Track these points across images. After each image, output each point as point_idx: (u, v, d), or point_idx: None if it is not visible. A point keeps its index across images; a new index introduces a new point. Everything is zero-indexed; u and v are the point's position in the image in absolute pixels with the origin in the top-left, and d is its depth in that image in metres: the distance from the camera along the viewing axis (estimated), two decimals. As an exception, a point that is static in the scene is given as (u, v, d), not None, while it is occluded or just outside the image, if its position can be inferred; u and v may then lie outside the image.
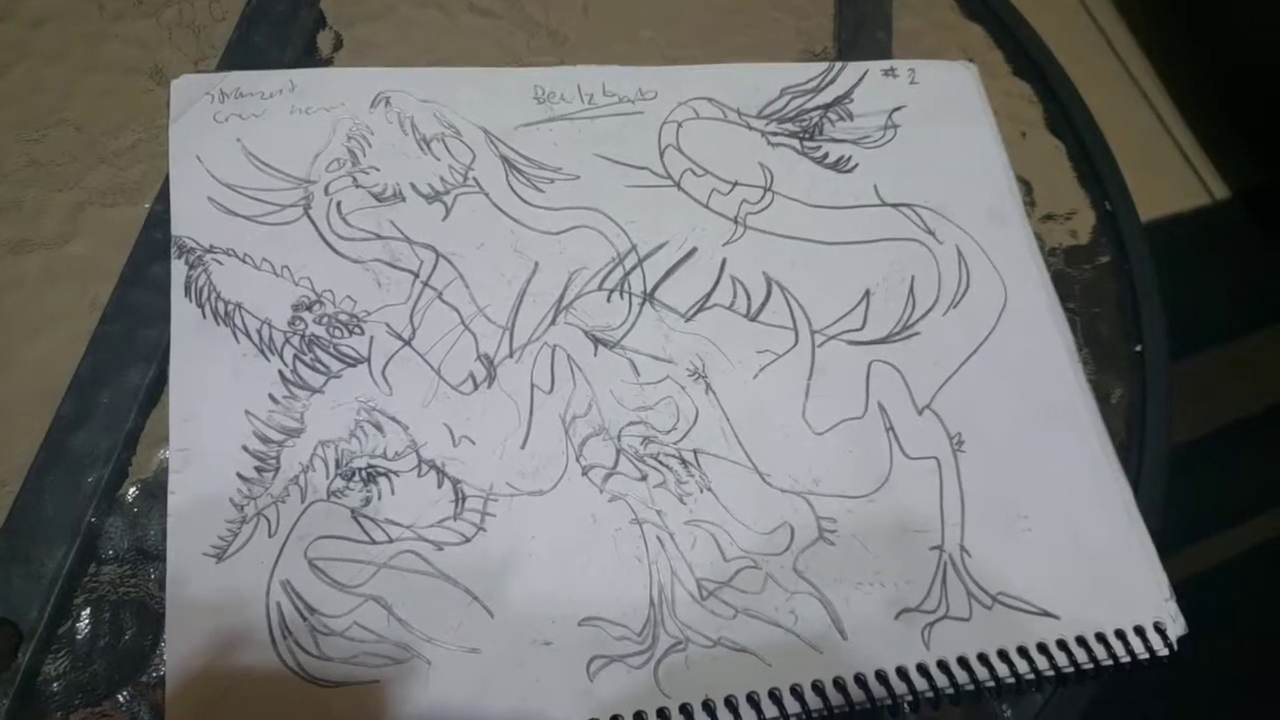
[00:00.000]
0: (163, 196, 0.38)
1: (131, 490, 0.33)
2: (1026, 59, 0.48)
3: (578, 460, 0.34)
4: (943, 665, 0.32)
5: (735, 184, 0.40)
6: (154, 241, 0.37)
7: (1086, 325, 0.41)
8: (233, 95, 0.38)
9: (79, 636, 0.31)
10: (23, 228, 0.37)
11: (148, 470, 0.34)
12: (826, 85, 0.43)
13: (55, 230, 0.37)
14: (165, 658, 0.30)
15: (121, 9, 0.42)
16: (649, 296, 0.37)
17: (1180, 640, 0.34)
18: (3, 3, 0.41)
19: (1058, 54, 0.48)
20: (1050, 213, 0.44)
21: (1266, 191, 1.08)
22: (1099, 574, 0.35)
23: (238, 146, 0.37)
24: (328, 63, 0.41)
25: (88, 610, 0.32)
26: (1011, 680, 0.32)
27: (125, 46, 0.42)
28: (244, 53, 0.41)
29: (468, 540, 0.32)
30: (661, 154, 0.40)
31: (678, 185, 0.40)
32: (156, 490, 0.33)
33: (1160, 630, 0.34)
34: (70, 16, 0.42)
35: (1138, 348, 0.41)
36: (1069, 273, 0.43)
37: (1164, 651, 0.33)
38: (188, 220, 0.36)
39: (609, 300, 0.37)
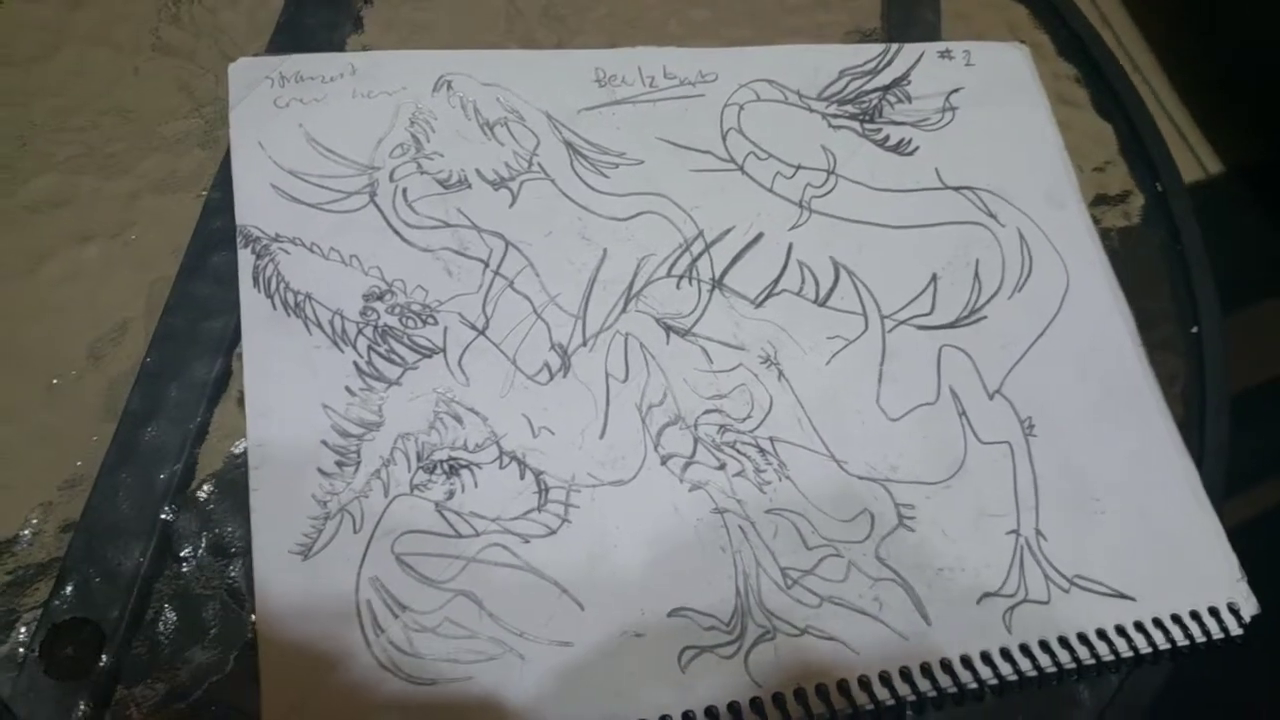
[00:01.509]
0: (220, 183, 0.37)
1: (204, 485, 0.33)
2: (1073, 39, 0.48)
3: (656, 450, 0.34)
4: (1025, 649, 0.32)
5: (799, 167, 0.40)
6: (213, 230, 0.36)
7: (1142, 307, 0.41)
8: (293, 79, 0.37)
9: (162, 636, 0.31)
10: (78, 218, 0.36)
11: (219, 464, 0.33)
12: (884, 67, 0.43)
13: (111, 220, 0.36)
14: (259, 657, 0.29)
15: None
16: (718, 283, 0.37)
17: (1254, 619, 0.34)
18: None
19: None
20: (1102, 194, 0.44)
21: (1262, 167, 1.09)
22: (1171, 555, 0.35)
23: (300, 132, 0.36)
24: (372, 45, 0.41)
25: (169, 609, 0.31)
26: (1091, 662, 0.33)
27: (170, 27, 0.40)
28: (295, 34, 0.40)
29: (553, 532, 0.32)
30: (724, 137, 0.40)
31: (741, 169, 0.39)
32: (229, 485, 0.33)
33: (1234, 610, 0.34)
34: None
35: (1194, 329, 0.41)
36: (1123, 254, 0.43)
37: (1238, 631, 0.34)
38: (252, 208, 0.35)
39: (678, 287, 0.37)
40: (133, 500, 0.32)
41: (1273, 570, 0.36)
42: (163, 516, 0.32)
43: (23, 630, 0.30)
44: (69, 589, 0.31)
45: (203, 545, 0.32)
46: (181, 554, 0.32)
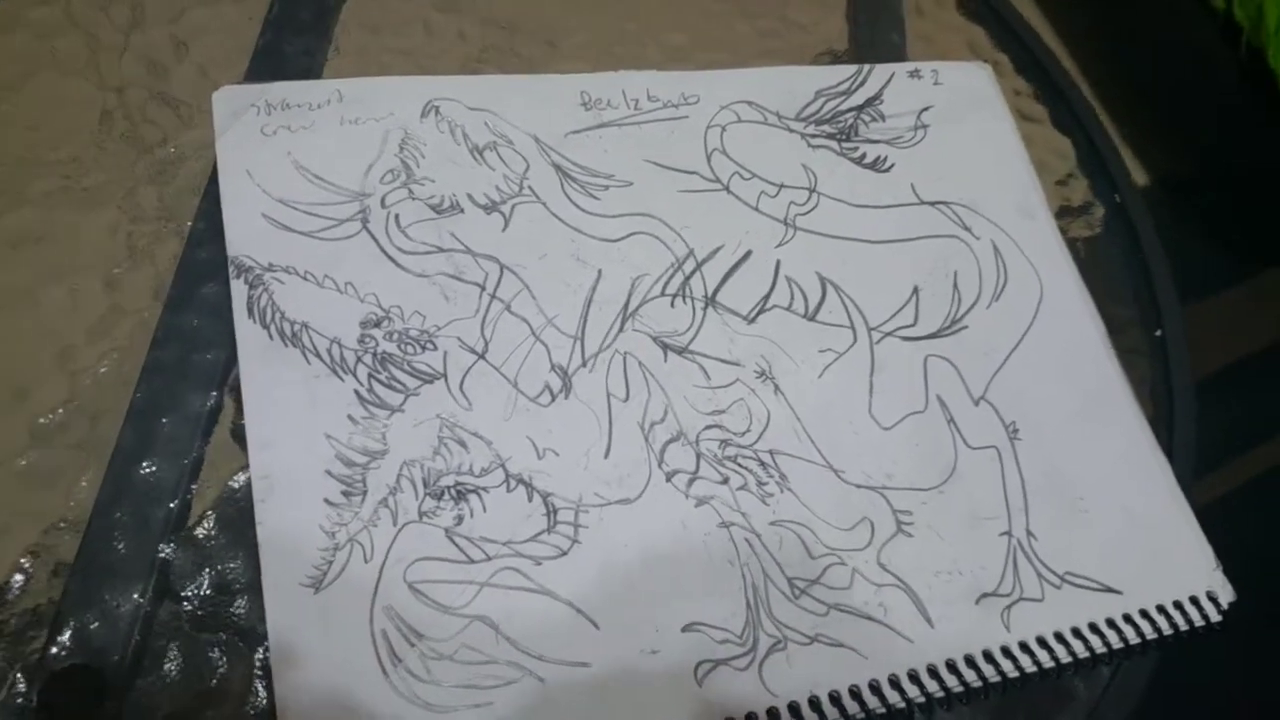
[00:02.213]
0: (204, 214, 0.36)
1: (203, 522, 0.32)
2: (1029, 58, 0.50)
3: (660, 467, 0.34)
4: (1024, 646, 0.34)
5: (781, 186, 0.41)
6: (200, 261, 0.36)
7: (1109, 313, 0.43)
8: (279, 107, 0.37)
9: (167, 679, 0.30)
10: (57, 253, 0.35)
11: (216, 499, 0.33)
12: (858, 87, 0.44)
13: (92, 254, 0.35)
14: (274, 695, 0.29)
15: (135, 17, 0.41)
16: (711, 300, 0.38)
17: (1231, 605, 0.36)
18: (7, 13, 0.39)
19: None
20: (1065, 206, 0.46)
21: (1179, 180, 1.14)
22: (1151, 549, 0.37)
23: (288, 160, 0.36)
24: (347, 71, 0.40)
25: (173, 651, 0.30)
26: (1086, 655, 0.34)
27: (140, 58, 0.40)
28: (272, 61, 0.40)
29: (564, 553, 0.32)
30: (709, 158, 0.41)
31: (727, 189, 0.40)
32: (228, 520, 0.32)
33: (1213, 599, 0.36)
34: (78, 28, 0.40)
35: (1158, 332, 0.43)
36: (1088, 263, 0.44)
37: (1218, 619, 0.36)
38: (243, 239, 0.34)
39: (673, 305, 0.37)
40: (129, 540, 0.31)
41: (1241, 554, 0.38)
42: (161, 555, 0.31)
43: (20, 680, 0.29)
44: (66, 635, 0.30)
45: (205, 583, 0.31)
46: (183, 593, 0.31)
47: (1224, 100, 1.07)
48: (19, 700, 0.29)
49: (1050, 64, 0.49)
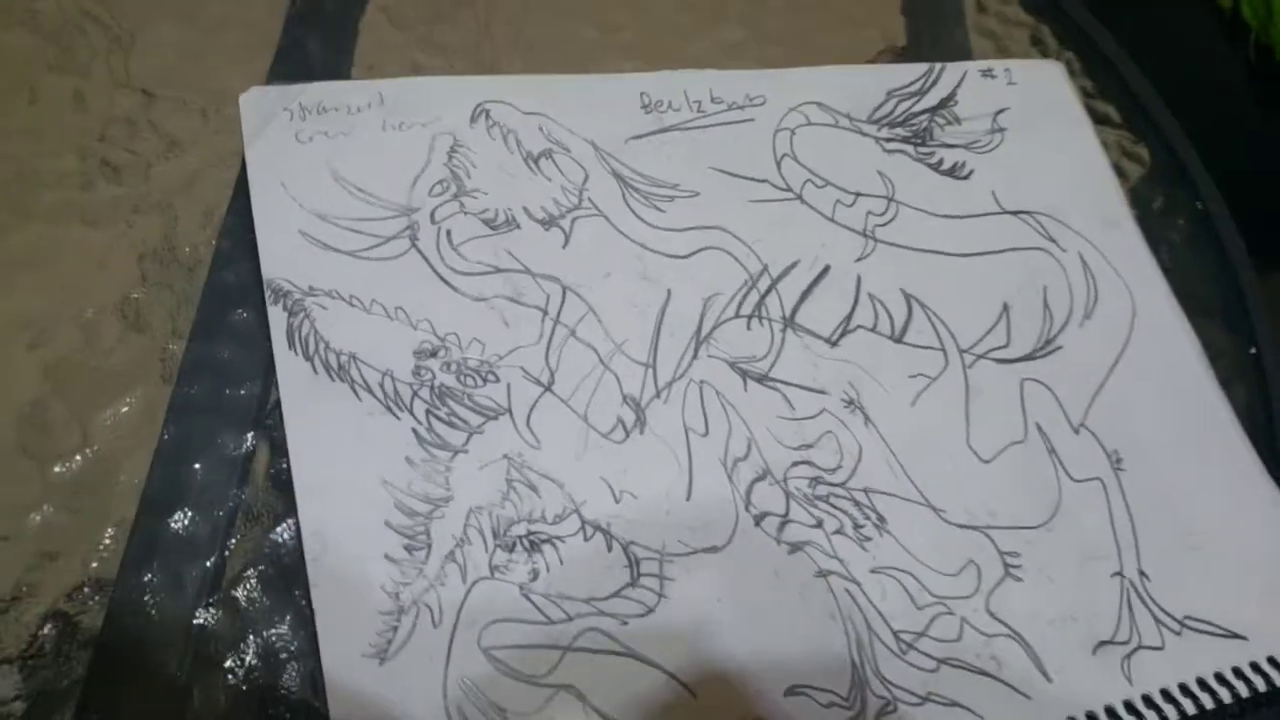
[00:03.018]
0: (229, 230, 0.33)
1: (244, 581, 0.29)
2: (1099, 56, 0.47)
3: (748, 509, 0.31)
4: (1148, 700, 0.31)
5: (858, 195, 0.37)
6: (227, 285, 0.32)
7: (1200, 329, 0.40)
8: (314, 110, 0.33)
9: (212, 762, 0.26)
10: (65, 277, 0.31)
11: (257, 554, 0.29)
12: (930, 87, 0.41)
13: (106, 278, 0.32)
14: (337, 784, 0.25)
15: (145, 12, 0.37)
16: (789, 321, 0.34)
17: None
18: (4, 8, 0.35)
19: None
20: (1142, 215, 0.43)
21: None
22: (1272, 587, 0.34)
23: (326, 170, 0.32)
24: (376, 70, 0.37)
25: (218, 728, 0.27)
26: (1214, 707, 0.31)
27: (152, 56, 0.36)
28: (296, 63, 0.36)
29: (651, 610, 0.29)
30: (779, 164, 0.37)
31: (800, 198, 0.37)
32: (272, 579, 0.29)
33: (1342, 641, 0.33)
34: (84, 24, 0.36)
35: (1252, 350, 0.41)
36: (1171, 275, 0.42)
37: (1351, 663, 0.33)
38: (280, 259, 0.31)
39: (749, 328, 0.34)
40: (161, 604, 0.28)
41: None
42: (197, 621, 0.28)
43: (43, 772, 0.25)
44: (94, 717, 0.26)
45: (249, 652, 0.28)
46: (225, 664, 0.27)
47: (1231, 99, 1.06)
48: (42, 796, 0.25)
49: (1123, 63, 0.46)
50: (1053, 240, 0.39)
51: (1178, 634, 0.32)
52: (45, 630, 0.27)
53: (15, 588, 0.27)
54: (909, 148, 0.39)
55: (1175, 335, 0.38)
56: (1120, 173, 0.44)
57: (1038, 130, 0.41)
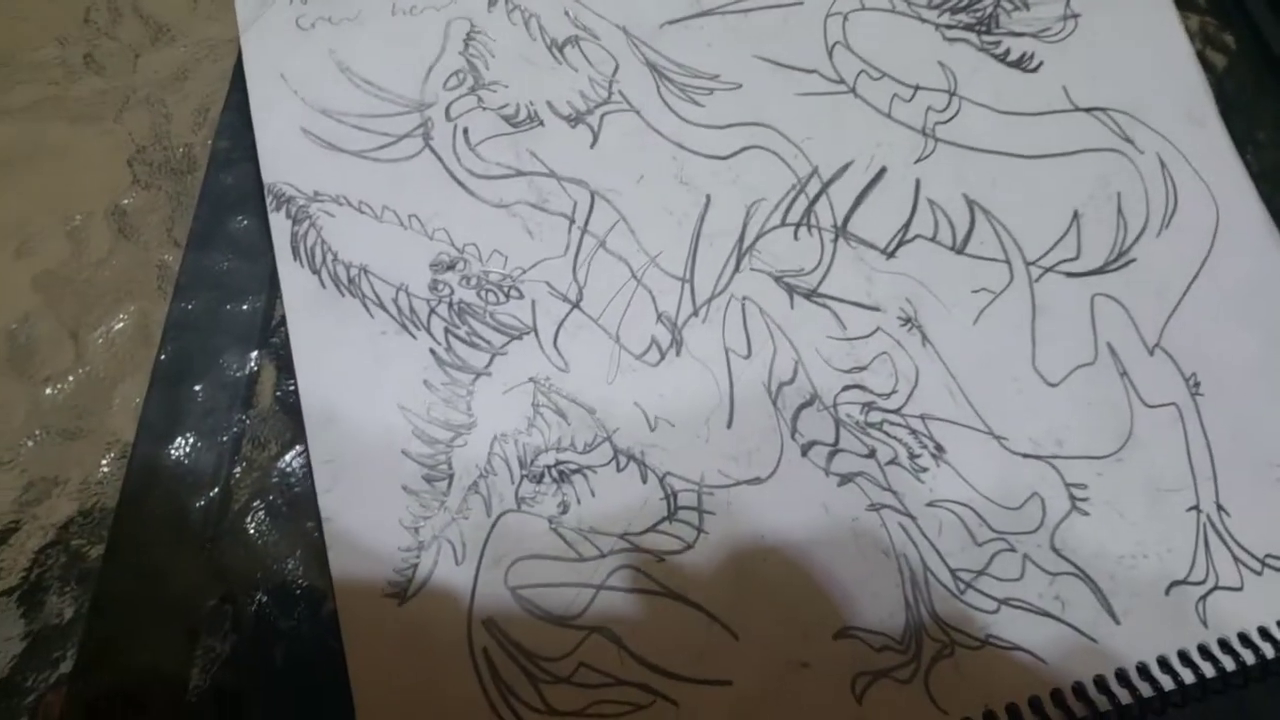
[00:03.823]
0: (225, 129, 0.30)
1: (251, 512, 0.27)
2: (1182, -69, 0.42)
3: (794, 438, 0.28)
4: (1224, 645, 0.29)
5: (917, 88, 0.34)
6: (224, 189, 0.29)
7: (1287, 239, 0.36)
8: (315, -7, 0.29)
9: (223, 706, 0.25)
10: (50, 179, 0.29)
11: (264, 484, 0.27)
12: (999, -34, 0.36)
13: (92, 181, 0.29)
14: (356, 730, 0.24)
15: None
16: (841, 230, 0.31)
17: None
18: None
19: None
20: (1231, 110, 0.39)
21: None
22: (1359, 523, 0.31)
23: (330, 60, 0.29)
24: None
25: (227, 676, 0.25)
26: (1295, 652, 0.29)
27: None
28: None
29: (690, 546, 0.27)
30: (830, 53, 0.34)
31: (853, 91, 0.33)
32: (280, 510, 0.27)
33: None
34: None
35: (1342, 262, 0.37)
36: (1259, 179, 0.38)
37: None
38: (281, 161, 0.28)
39: (796, 237, 0.31)
40: (163, 537, 0.26)
41: None
42: (202, 555, 0.26)
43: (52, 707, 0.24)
44: (98, 658, 0.24)
45: (260, 591, 0.26)
46: (234, 603, 0.26)
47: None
48: (47, 737, 0.24)
49: (1210, -62, 0.41)
50: (1129, 140, 0.35)
51: (1259, 574, 0.30)
52: (45, 562, 0.25)
53: (11, 517, 0.26)
54: (972, 35, 0.35)
55: (1263, 246, 0.35)
56: (1204, 63, 0.40)
57: (1114, 16, 0.37)
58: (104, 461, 0.26)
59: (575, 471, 0.27)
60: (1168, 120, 0.36)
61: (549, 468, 0.26)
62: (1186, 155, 0.35)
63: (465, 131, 0.29)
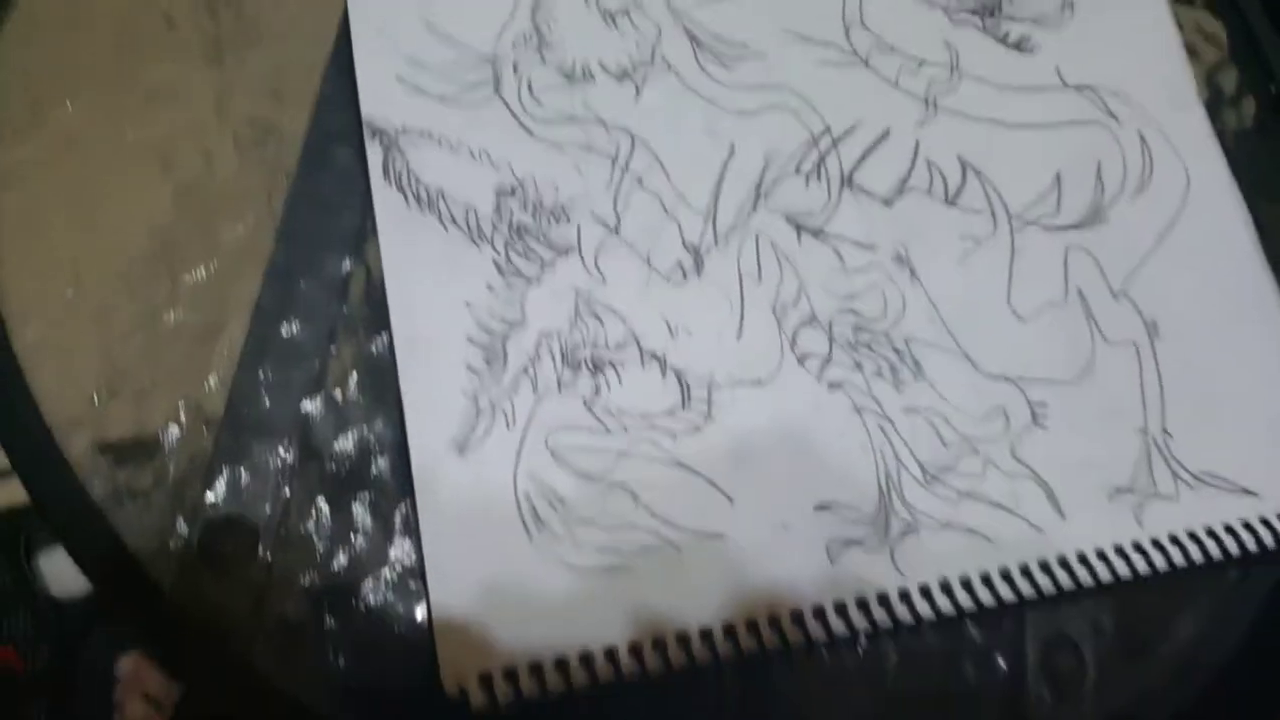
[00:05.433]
0: (333, 75, 0.36)
1: (344, 382, 0.33)
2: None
3: (793, 349, 0.34)
4: (1155, 543, 0.33)
5: (922, 62, 0.39)
6: (330, 123, 0.35)
7: (1260, 212, 0.40)
8: (409, -41, 0.35)
9: (314, 532, 0.31)
10: (187, 112, 0.35)
11: (355, 361, 0.33)
12: (1004, -42, 0.41)
13: (227, 114, 0.35)
14: (422, 550, 0.29)
15: None
16: (847, 180, 0.36)
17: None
18: None
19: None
20: (1214, 96, 0.43)
21: None
22: (1290, 451, 0.36)
23: (420, 19, 0.35)
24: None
25: (320, 505, 0.31)
26: (1220, 557, 0.34)
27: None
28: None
29: (698, 430, 0.32)
30: (847, 29, 0.39)
31: (866, 63, 0.38)
32: (367, 383, 0.33)
33: (1354, 507, 0.35)
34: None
35: (1310, 233, 0.41)
36: (1237, 159, 0.42)
37: (1358, 526, 0.35)
38: (378, 100, 0.34)
39: (807, 185, 0.36)
40: (274, 396, 0.32)
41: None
42: (304, 412, 0.32)
43: (181, 525, 0.30)
44: (220, 485, 0.31)
45: (349, 442, 0.32)
46: (328, 451, 0.32)
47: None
48: (181, 545, 0.30)
49: (1208, -62, 0.46)
50: (1113, 116, 0.39)
51: (1192, 487, 0.34)
52: (180, 412, 0.31)
53: (152, 378, 0.32)
54: (976, 19, 0.40)
55: (1228, 215, 0.39)
56: (1194, 54, 0.44)
57: (1110, 7, 0.41)
58: (228, 337, 0.32)
59: (607, 364, 0.32)
60: (1151, 102, 0.40)
61: (585, 359, 0.32)
62: (1166, 134, 0.40)
63: (529, 83, 0.35)
